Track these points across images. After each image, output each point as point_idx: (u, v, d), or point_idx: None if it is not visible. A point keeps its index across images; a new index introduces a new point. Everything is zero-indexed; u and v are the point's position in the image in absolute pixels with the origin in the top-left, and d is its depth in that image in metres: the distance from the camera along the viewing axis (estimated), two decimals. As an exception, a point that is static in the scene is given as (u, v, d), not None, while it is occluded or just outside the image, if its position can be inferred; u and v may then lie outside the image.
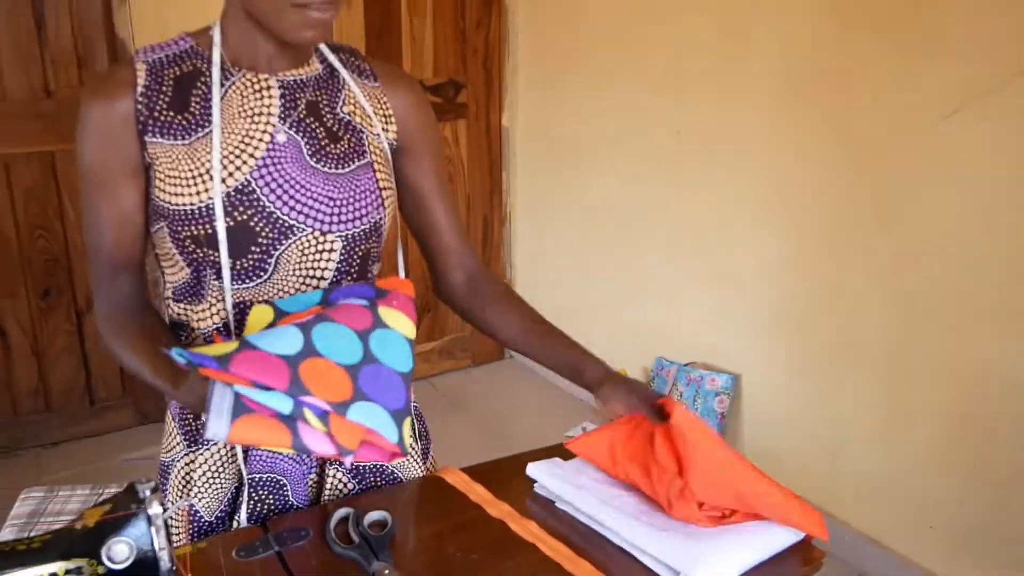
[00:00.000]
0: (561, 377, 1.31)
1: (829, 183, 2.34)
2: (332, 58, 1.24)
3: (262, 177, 1.14)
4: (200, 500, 1.22)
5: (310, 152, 1.17)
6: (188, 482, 1.23)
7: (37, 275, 2.88)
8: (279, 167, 1.15)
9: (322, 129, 1.19)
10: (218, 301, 1.17)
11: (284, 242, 1.15)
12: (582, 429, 2.69)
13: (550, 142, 3.37)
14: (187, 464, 1.23)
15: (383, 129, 1.25)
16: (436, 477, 1.26)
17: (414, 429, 1.36)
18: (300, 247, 1.16)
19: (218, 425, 0.93)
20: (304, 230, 1.15)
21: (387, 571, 1.02)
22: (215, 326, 1.18)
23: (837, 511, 2.45)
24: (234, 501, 1.23)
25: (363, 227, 1.19)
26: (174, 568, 0.87)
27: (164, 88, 1.13)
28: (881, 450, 2.32)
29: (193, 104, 1.14)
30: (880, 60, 2.16)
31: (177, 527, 1.24)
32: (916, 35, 2.06)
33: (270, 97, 1.17)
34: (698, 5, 2.61)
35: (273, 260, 1.15)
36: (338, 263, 1.19)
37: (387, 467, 1.29)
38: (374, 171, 1.21)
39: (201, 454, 1.21)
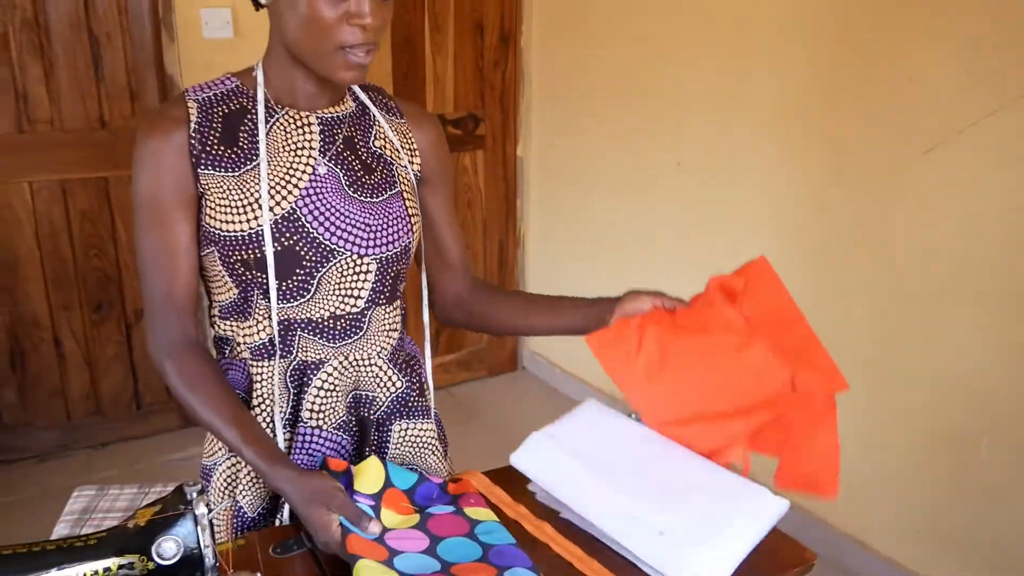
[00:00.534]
0: (578, 337, 1.26)
1: (818, 209, 2.34)
2: (363, 96, 1.26)
3: (306, 206, 1.15)
4: (244, 498, 1.22)
5: (348, 183, 1.18)
6: (234, 481, 1.23)
7: (90, 290, 2.89)
8: (321, 196, 1.16)
9: (357, 162, 1.20)
10: (264, 319, 1.17)
11: (326, 264, 1.16)
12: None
13: (561, 172, 3.38)
14: (233, 464, 1.24)
15: (409, 161, 1.27)
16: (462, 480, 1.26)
17: (440, 434, 1.37)
18: (340, 269, 1.17)
19: None
20: (344, 253, 1.16)
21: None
22: (260, 342, 1.19)
23: (822, 513, 2.43)
24: (276, 499, 1.23)
25: (395, 250, 1.20)
26: (217, 564, 0.87)
27: (214, 124, 1.15)
28: (863, 456, 2.31)
29: (241, 139, 1.15)
30: (867, 98, 2.16)
31: (220, 525, 1.24)
32: (899, 74, 2.07)
33: (311, 133, 1.18)
34: (698, 47, 2.62)
35: (315, 281, 1.16)
36: (373, 283, 1.20)
37: (416, 466, 1.30)
38: (403, 199, 1.22)
39: None
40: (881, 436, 2.27)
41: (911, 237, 2.12)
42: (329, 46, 1.07)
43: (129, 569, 0.85)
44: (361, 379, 1.25)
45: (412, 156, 1.27)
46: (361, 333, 1.22)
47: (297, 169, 1.16)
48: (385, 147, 1.24)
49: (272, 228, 1.12)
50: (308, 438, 1.21)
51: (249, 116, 1.16)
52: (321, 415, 1.21)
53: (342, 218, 1.16)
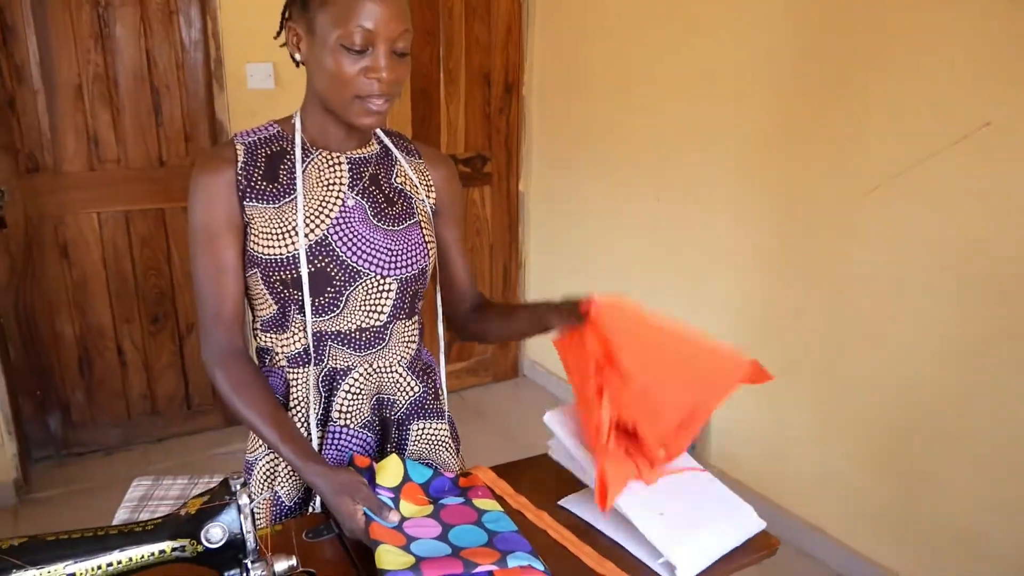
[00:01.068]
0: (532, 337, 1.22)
1: (776, 240, 2.34)
2: (386, 140, 1.26)
3: (336, 233, 1.15)
4: (282, 489, 1.22)
5: (372, 213, 1.19)
6: (273, 474, 1.23)
7: (149, 305, 2.89)
8: (349, 225, 1.16)
9: (381, 195, 1.21)
10: (300, 331, 1.17)
11: (353, 284, 1.16)
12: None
13: (557, 204, 3.39)
14: (272, 459, 1.23)
15: (426, 195, 1.27)
16: (471, 475, 1.25)
17: (453, 433, 1.37)
18: (365, 288, 1.17)
19: None
20: (368, 274, 1.16)
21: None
22: (296, 351, 1.19)
23: (784, 503, 2.41)
24: (309, 490, 1.22)
25: (413, 272, 1.20)
26: (258, 547, 0.87)
27: (258, 164, 1.15)
28: (817, 453, 2.31)
29: (281, 176, 1.15)
30: (818, 143, 2.16)
31: (260, 513, 1.23)
32: (845, 122, 2.07)
33: (341, 171, 1.18)
34: (673, 98, 2.63)
35: (344, 298, 1.16)
36: (394, 300, 1.20)
37: (431, 461, 1.29)
38: (421, 228, 1.22)
39: None
40: (831, 435, 2.26)
41: (854, 264, 2.13)
42: (349, 96, 1.07)
43: (181, 552, 0.85)
44: (384, 384, 1.25)
45: (428, 191, 1.27)
46: (384, 344, 1.22)
47: (329, 202, 1.16)
48: (405, 183, 1.24)
49: (307, 252, 1.13)
50: (337, 435, 1.20)
51: (288, 157, 1.16)
52: (349, 415, 1.21)
53: (367, 244, 1.16)
